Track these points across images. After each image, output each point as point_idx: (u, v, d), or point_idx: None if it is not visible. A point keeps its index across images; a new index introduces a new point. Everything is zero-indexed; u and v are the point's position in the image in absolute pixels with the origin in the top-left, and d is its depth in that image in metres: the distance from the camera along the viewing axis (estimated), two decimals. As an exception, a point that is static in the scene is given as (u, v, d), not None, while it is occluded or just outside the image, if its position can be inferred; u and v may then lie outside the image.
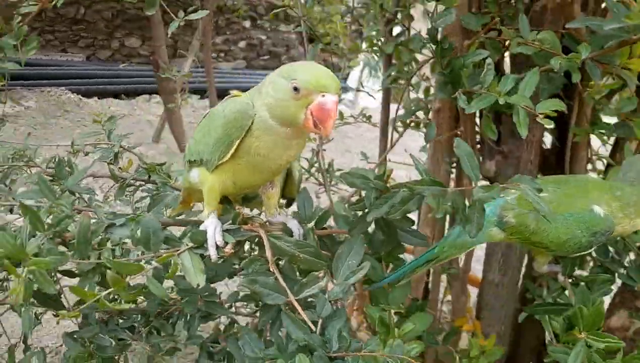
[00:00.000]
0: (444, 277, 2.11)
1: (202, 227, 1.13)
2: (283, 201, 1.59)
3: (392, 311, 1.29)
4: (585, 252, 1.13)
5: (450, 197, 1.04)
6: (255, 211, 1.46)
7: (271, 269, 1.06)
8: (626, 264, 1.29)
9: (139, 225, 1.30)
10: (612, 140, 1.92)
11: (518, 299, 2.13)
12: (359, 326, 2.33)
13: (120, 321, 1.62)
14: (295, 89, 0.99)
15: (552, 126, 1.39)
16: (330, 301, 1.13)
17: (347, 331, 1.10)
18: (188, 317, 1.65)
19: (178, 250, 1.11)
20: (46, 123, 6.95)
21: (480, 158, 1.94)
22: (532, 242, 1.14)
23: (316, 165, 2.33)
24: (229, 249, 1.11)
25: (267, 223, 1.24)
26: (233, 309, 1.76)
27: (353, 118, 2.78)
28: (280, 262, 1.19)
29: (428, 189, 1.05)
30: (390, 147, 2.13)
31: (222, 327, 1.72)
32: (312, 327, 1.03)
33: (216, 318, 1.73)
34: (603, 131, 1.57)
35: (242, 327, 1.63)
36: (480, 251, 2.01)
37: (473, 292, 2.26)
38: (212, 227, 1.12)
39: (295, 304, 1.03)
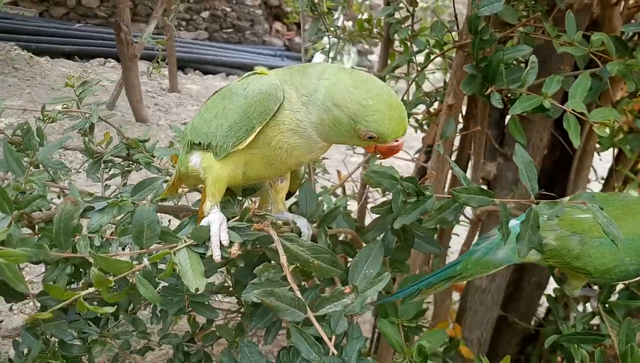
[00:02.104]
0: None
1: (204, 222, 0.97)
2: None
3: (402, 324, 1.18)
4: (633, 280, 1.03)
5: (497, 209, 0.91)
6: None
7: (288, 279, 0.91)
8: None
9: (122, 211, 1.14)
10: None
11: (500, 306, 2.06)
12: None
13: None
14: (370, 137, 0.88)
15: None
16: (344, 315, 1.00)
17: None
18: (158, 311, 1.50)
19: (174, 247, 0.95)
20: (-7, 80, 6.50)
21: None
22: (573, 267, 1.04)
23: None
24: (235, 250, 0.95)
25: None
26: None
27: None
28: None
29: (474, 199, 0.92)
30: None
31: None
32: (334, 350, 0.89)
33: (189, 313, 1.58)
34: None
35: (221, 326, 1.49)
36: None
37: (454, 296, 2.19)
38: (216, 223, 0.96)
39: (316, 323, 0.89)
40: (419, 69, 1.68)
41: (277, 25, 10.94)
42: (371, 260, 1.07)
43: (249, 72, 0.98)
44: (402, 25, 1.85)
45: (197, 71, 9.23)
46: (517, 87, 1.14)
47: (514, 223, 1.07)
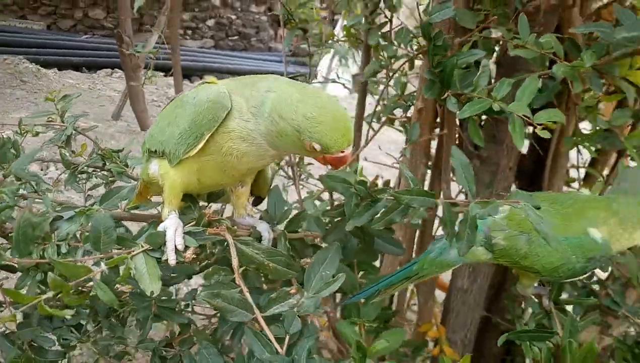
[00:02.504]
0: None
1: (160, 228, 1.01)
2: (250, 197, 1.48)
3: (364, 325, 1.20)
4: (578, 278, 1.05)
5: (441, 210, 0.94)
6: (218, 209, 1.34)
7: (237, 281, 0.94)
8: (609, 287, 1.23)
9: (89, 220, 1.18)
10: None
11: (484, 306, 2.08)
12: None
13: (68, 318, 1.48)
14: (314, 148, 0.91)
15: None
16: (299, 316, 1.03)
17: (316, 351, 1.00)
18: (140, 318, 1.53)
19: (131, 252, 0.99)
20: (1, 93, 6.62)
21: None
22: (522, 266, 1.06)
23: (286, 158, 2.21)
24: (189, 254, 0.99)
25: (233, 224, 1.12)
26: (190, 308, 1.64)
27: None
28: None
29: (416, 200, 0.95)
30: (364, 144, 2.03)
31: (176, 329, 1.61)
32: (279, 349, 0.92)
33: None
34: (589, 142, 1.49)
35: (198, 331, 1.52)
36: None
37: (439, 296, 2.20)
38: (172, 228, 1.00)
39: (262, 323, 0.92)
40: (390, 74, 1.71)
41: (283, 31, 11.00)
42: (328, 262, 1.09)
43: (200, 82, 1.02)
44: (381, 31, 1.88)
45: (203, 79, 9.31)
46: (470, 91, 1.16)
47: (466, 223, 1.09)
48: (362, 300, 1.24)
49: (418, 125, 1.43)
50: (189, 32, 10.26)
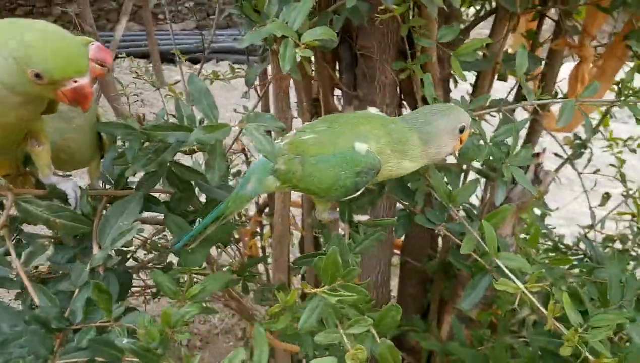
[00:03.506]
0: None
1: (-60, 196, 1.01)
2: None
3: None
4: (354, 196, 1.01)
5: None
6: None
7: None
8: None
9: None
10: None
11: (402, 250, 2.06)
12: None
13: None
14: (38, 76, 0.85)
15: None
16: (93, 269, 1.03)
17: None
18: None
19: None
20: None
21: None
22: (302, 189, 1.03)
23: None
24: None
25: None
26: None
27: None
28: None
29: (172, 135, 0.92)
30: (259, 99, 2.01)
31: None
32: (37, 299, 0.92)
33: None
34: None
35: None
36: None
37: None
38: (-48, 195, 0.99)
39: (22, 274, 0.92)
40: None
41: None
42: (127, 213, 1.08)
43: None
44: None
45: (187, 62, 9.26)
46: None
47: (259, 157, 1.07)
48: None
49: (255, 69, 1.39)
50: (170, 15, 10.19)
